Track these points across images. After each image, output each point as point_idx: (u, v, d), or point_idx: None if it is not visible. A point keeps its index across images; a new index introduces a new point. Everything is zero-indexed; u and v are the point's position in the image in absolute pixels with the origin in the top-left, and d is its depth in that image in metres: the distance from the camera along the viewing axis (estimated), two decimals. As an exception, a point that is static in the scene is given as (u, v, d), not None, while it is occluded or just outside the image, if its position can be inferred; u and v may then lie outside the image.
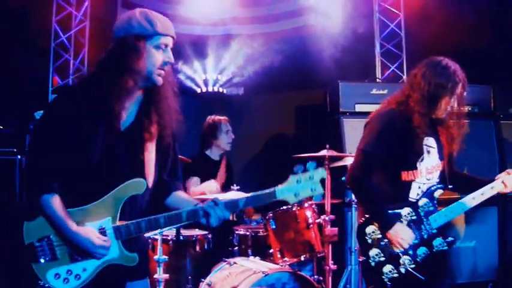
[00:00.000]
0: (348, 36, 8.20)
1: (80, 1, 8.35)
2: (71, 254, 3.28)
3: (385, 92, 7.25)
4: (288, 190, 3.49)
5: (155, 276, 5.32)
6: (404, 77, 8.46)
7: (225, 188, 5.98)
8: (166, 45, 3.39)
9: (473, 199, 4.39)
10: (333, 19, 8.31)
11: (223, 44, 9.14)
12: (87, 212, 3.33)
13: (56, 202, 3.23)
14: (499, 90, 7.78)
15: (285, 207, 5.73)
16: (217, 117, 6.96)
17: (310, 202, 5.71)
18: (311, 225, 5.62)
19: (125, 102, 3.37)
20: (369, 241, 4.29)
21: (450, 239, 4.36)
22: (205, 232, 6.01)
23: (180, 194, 3.70)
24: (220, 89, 9.30)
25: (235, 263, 5.57)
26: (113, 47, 3.37)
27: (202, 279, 5.54)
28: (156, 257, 5.35)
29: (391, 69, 8.51)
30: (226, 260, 5.64)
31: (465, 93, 4.36)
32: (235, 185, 5.81)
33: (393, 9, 8.66)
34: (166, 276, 5.37)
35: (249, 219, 6.81)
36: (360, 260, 4.40)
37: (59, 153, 3.24)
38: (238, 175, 7.30)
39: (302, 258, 5.67)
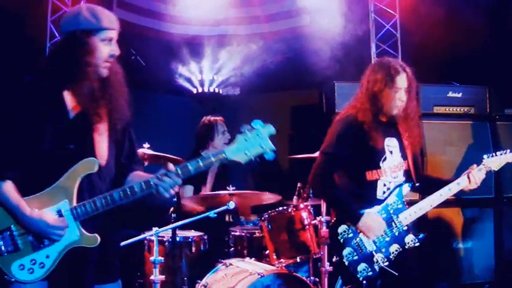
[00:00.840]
0: (344, 36, 8.20)
1: (75, 1, 8.32)
2: (33, 242, 3.31)
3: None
4: (238, 150, 3.48)
5: (151, 277, 5.32)
6: (400, 77, 8.45)
7: (221, 188, 5.97)
8: (111, 39, 3.50)
9: (441, 195, 4.49)
10: (328, 20, 8.30)
11: (219, 44, 9.14)
12: (43, 198, 3.37)
13: (7, 188, 3.28)
14: (494, 91, 7.79)
15: (280, 209, 5.74)
16: (213, 118, 6.96)
17: (305, 203, 5.71)
18: (307, 227, 5.61)
19: (73, 92, 3.45)
20: (342, 241, 4.36)
21: (421, 235, 4.44)
22: (201, 233, 6.01)
23: (137, 173, 3.77)
24: (216, 90, 9.30)
25: (231, 264, 5.58)
26: (61, 41, 3.52)
27: (198, 281, 5.55)
28: (152, 258, 5.34)
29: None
30: (222, 261, 5.64)
31: (416, 90, 4.56)
32: (231, 185, 5.80)
33: (389, 10, 8.67)
34: (162, 277, 5.36)
35: (246, 220, 6.80)
36: (334, 260, 4.44)
37: (9, 143, 3.30)
38: (235, 176, 7.28)
39: (298, 260, 5.65)
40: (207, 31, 9.09)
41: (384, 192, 4.45)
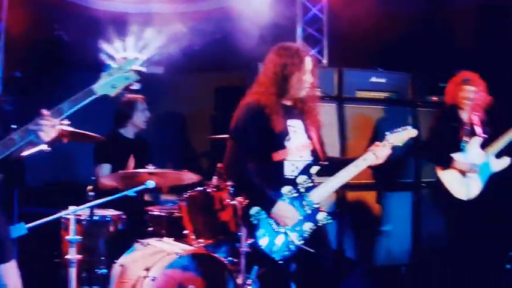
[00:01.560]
0: (270, 19, 8.16)
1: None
2: None
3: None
4: (105, 85, 3.65)
5: (67, 256, 5.19)
6: (325, 61, 8.50)
7: (140, 166, 5.89)
8: None
9: (348, 172, 4.54)
10: (256, 1, 8.25)
11: (145, 22, 8.97)
12: None
13: None
14: (417, 77, 7.90)
15: (200, 188, 5.71)
16: (133, 96, 6.82)
17: (225, 183, 5.68)
18: (226, 207, 5.58)
19: None
20: (255, 222, 4.36)
21: (334, 211, 4.52)
22: (120, 212, 5.92)
23: None
24: (140, 68, 9.14)
25: (148, 244, 5.55)
26: None
27: (116, 261, 5.48)
28: (68, 237, 5.22)
29: (311, 54, 8.49)
30: (140, 241, 5.61)
31: (317, 72, 4.60)
32: (150, 164, 5.72)
33: (316, -7, 8.67)
34: (79, 256, 5.25)
35: (165, 199, 6.74)
36: (248, 242, 4.43)
37: None
38: (156, 155, 7.19)
39: (217, 240, 5.66)
40: (132, 8, 8.93)
41: (293, 171, 4.48)
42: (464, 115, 6.66)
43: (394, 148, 4.69)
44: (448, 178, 6.52)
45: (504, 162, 6.60)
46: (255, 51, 7.78)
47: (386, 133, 4.68)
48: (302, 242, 4.38)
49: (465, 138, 6.54)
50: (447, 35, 8.48)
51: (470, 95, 6.53)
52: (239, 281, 5.45)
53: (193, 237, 5.64)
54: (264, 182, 4.40)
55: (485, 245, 6.74)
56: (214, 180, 5.85)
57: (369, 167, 4.71)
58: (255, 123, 4.42)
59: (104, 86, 3.66)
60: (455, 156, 6.48)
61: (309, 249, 4.35)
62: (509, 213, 7.09)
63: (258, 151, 4.45)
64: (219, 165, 5.84)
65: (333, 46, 8.59)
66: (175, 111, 9.34)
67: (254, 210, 4.37)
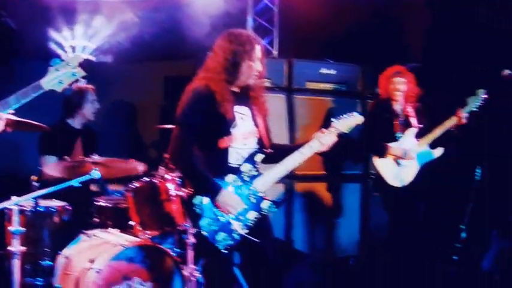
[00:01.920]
0: (220, 8, 8.11)
1: None
2: None
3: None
4: (52, 80, 3.77)
5: (10, 248, 5.08)
6: (275, 51, 8.48)
7: (87, 157, 5.79)
8: None
9: (294, 159, 4.50)
10: (207, -10, 8.20)
11: (93, 10, 8.86)
12: None
13: None
14: (367, 69, 7.94)
15: (147, 179, 5.64)
16: (83, 86, 6.70)
17: (172, 174, 5.62)
18: (173, 198, 5.51)
19: None
20: (198, 211, 4.31)
21: (278, 199, 4.51)
22: (65, 203, 5.82)
23: None
24: (89, 56, 9.01)
25: (94, 235, 5.48)
26: None
27: (60, 252, 5.40)
28: (11, 228, 5.10)
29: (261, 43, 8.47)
30: (85, 232, 5.53)
31: (265, 61, 4.57)
32: (96, 154, 5.64)
33: (267, -17, 8.64)
34: (23, 248, 5.13)
35: (112, 190, 6.66)
36: (192, 232, 4.40)
37: None
38: (104, 145, 7.09)
39: (163, 231, 5.62)
40: (82, -4, 8.79)
41: (238, 159, 4.45)
42: (397, 107, 6.89)
43: (341, 135, 4.66)
44: (383, 166, 6.76)
45: (438, 152, 6.85)
46: (205, 41, 7.73)
47: (333, 119, 4.64)
48: (246, 231, 4.34)
49: (400, 129, 6.80)
50: (398, 28, 8.53)
51: (401, 87, 6.79)
52: (186, 272, 5.41)
53: (140, 228, 5.57)
54: (209, 170, 4.36)
55: (421, 232, 6.90)
56: (161, 170, 5.79)
57: (318, 154, 4.70)
58: (202, 108, 4.35)
59: (51, 81, 3.73)
60: (390, 144, 6.69)
61: (252, 238, 4.32)
62: (440, 200, 7.38)
63: (203, 137, 4.40)
64: (166, 155, 5.78)
65: (284, 37, 8.58)
66: (124, 100, 9.23)
67: (198, 199, 4.32)
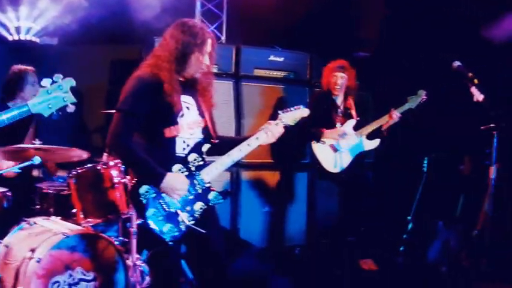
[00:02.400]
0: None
1: None
2: None
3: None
4: (41, 103, 3.62)
5: None
6: (223, 37, 8.40)
7: (28, 142, 5.65)
8: None
9: (240, 150, 4.49)
10: (155, -26, 8.07)
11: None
12: None
13: None
14: (315, 58, 7.93)
15: (90, 165, 5.52)
16: (23, 67, 6.53)
17: (115, 161, 5.51)
18: (116, 185, 5.41)
19: None
20: (144, 202, 4.23)
21: (225, 191, 4.47)
22: (5, 189, 5.64)
23: None
24: (34, 38, 8.82)
25: (35, 223, 5.33)
26: None
27: (0, 240, 5.22)
28: None
29: (210, 30, 8.39)
30: (26, 219, 5.37)
31: (214, 52, 4.51)
32: (37, 139, 5.50)
33: (216, -32, 8.55)
34: (-40, 237, 5.01)
35: (55, 176, 6.52)
36: (138, 222, 4.34)
37: None
38: (47, 130, 6.93)
39: (106, 219, 5.51)
40: (26, -24, 8.59)
41: (184, 149, 4.39)
42: (338, 99, 7.16)
43: (287, 127, 4.65)
44: (321, 153, 6.98)
45: (374, 143, 7.14)
46: (152, 25, 7.63)
47: (279, 112, 4.63)
48: (193, 222, 4.28)
49: (339, 121, 7.08)
50: (348, 17, 8.53)
51: (341, 81, 7.03)
52: (129, 261, 5.34)
53: (82, 216, 5.44)
54: (154, 160, 4.25)
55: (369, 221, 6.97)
56: (105, 157, 5.68)
57: (270, 145, 4.71)
58: (148, 97, 4.26)
59: (40, 105, 3.62)
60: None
61: (199, 229, 4.25)
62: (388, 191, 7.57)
63: (148, 126, 4.31)
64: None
65: (232, 23, 8.51)
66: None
67: (143, 188, 4.23)
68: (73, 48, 8.75)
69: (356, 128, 7.06)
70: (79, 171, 5.49)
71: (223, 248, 4.55)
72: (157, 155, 4.28)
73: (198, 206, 4.36)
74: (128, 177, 5.38)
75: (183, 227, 4.26)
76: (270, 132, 4.54)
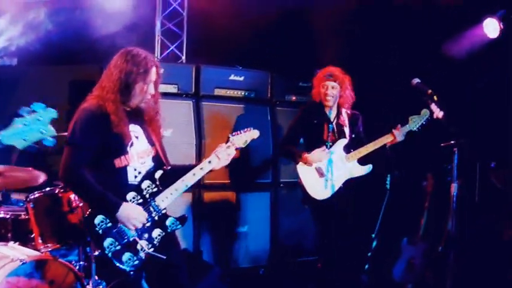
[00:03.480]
0: (129, 12, 7.97)
1: None
2: None
3: (161, 71, 7.07)
4: (14, 135, 3.35)
5: None
6: (183, 57, 8.37)
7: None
8: None
9: (194, 175, 4.46)
10: (114, -7, 8.03)
11: (-2, 10, 8.58)
12: None
13: None
14: (276, 76, 7.90)
15: (48, 189, 5.43)
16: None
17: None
18: (75, 209, 5.33)
19: None
20: (100, 232, 4.16)
21: (182, 216, 4.42)
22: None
23: None
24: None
25: (-9, 249, 5.20)
26: None
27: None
28: None
29: (170, 49, 8.37)
30: (-17, 246, 5.24)
31: (159, 80, 4.50)
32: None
33: (177, -12, 8.53)
34: None
35: (14, 200, 6.40)
36: (96, 254, 4.25)
37: None
38: (4, 153, 6.81)
39: (65, 244, 5.42)
40: (-16, -4, 8.48)
41: (136, 177, 4.35)
42: (331, 113, 6.38)
43: (239, 149, 4.67)
44: (305, 175, 6.25)
45: (366, 168, 6.29)
46: (113, 44, 7.58)
47: (229, 135, 4.64)
48: (152, 249, 4.22)
49: (330, 138, 6.25)
50: (308, 35, 8.54)
51: (333, 92, 6.25)
52: (89, 286, 5.25)
53: (41, 241, 5.33)
54: (107, 189, 4.20)
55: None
56: (63, 181, 5.59)
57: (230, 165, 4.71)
58: (96, 129, 4.24)
59: (13, 137, 3.35)
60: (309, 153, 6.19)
61: (159, 255, 4.20)
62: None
63: (98, 157, 4.27)
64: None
65: (193, 42, 8.49)
66: (28, 104, 8.92)
67: (98, 219, 4.16)
68: (33, 69, 8.66)
69: (348, 148, 6.29)
70: (37, 195, 5.38)
71: (185, 273, 4.51)
72: (109, 184, 4.24)
73: (156, 233, 4.32)
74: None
75: (142, 255, 4.21)
76: (222, 155, 4.54)
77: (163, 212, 4.36)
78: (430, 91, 5.14)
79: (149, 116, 4.49)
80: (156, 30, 8.38)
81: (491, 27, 7.36)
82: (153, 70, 4.39)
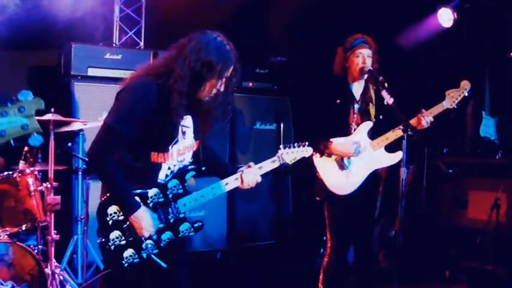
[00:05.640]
0: (88, -3, 7.95)
1: None
2: None
3: (119, 57, 7.22)
4: None
5: None
6: (142, 43, 8.39)
7: None
8: None
9: (227, 184, 4.18)
10: (72, -22, 7.99)
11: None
12: None
13: None
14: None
15: (5, 174, 5.42)
16: None
17: (32, 168, 5.46)
18: (33, 193, 5.37)
19: None
20: (110, 222, 3.89)
21: (198, 224, 4.09)
22: None
23: None
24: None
25: (-51, 233, 5.23)
26: None
27: None
28: None
29: (128, 35, 8.37)
30: None
31: (235, 80, 3.97)
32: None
33: (135, -27, 8.54)
34: None
35: None
36: (98, 241, 4.06)
37: None
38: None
39: (23, 228, 5.42)
40: None
41: (167, 176, 4.01)
42: (355, 88, 5.40)
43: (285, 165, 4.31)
44: (323, 168, 5.35)
45: (396, 156, 5.30)
46: (70, 30, 7.58)
47: (280, 146, 4.31)
48: (156, 251, 3.95)
49: (355, 120, 5.33)
50: (267, 21, 8.62)
51: (369, 61, 5.25)
52: (48, 270, 5.29)
53: (-1, 225, 5.38)
54: (133, 177, 3.88)
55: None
56: (21, 164, 5.61)
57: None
58: (147, 117, 3.78)
59: None
60: (335, 140, 5.25)
61: (160, 262, 3.93)
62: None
63: (137, 144, 3.87)
64: (25, 148, 5.61)
65: (151, 28, 8.50)
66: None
67: (112, 209, 3.88)
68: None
69: (372, 134, 5.32)
70: (-6, 179, 5.41)
71: (184, 284, 4.22)
72: (137, 174, 3.92)
73: (166, 235, 4.00)
74: (45, 184, 5.37)
75: (144, 255, 3.92)
76: (245, 178, 4.20)
77: (181, 216, 4.04)
78: (381, 78, 5.07)
79: (206, 109, 4.01)
80: (114, 16, 8.36)
81: (445, 17, 7.56)
82: (232, 67, 3.91)
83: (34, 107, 2.73)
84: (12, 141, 2.69)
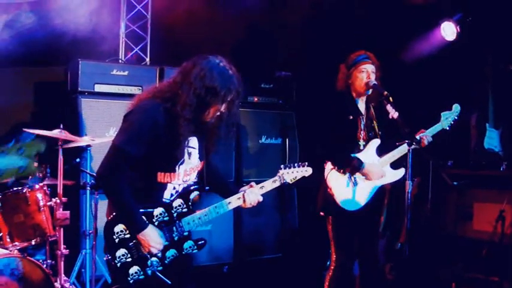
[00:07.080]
0: (94, 14, 8.00)
1: None
2: None
3: (126, 73, 7.28)
4: None
5: None
6: (147, 59, 8.45)
7: None
8: None
9: (229, 204, 4.24)
10: (78, -5, 8.07)
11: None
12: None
13: None
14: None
15: (15, 189, 5.44)
16: None
17: (41, 184, 5.51)
18: (42, 208, 5.43)
19: None
20: (117, 241, 3.99)
21: (201, 242, 4.18)
22: None
23: None
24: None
25: (-41, 248, 5.28)
26: None
27: None
28: None
29: (134, 51, 8.45)
30: (-49, 244, 5.32)
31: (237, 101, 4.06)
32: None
33: (141, -10, 8.61)
34: None
35: None
36: (105, 258, 4.11)
37: None
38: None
39: (33, 242, 5.49)
40: None
41: (172, 195, 4.13)
42: (361, 106, 5.48)
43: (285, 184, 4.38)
44: (336, 184, 5.36)
45: (400, 173, 5.42)
46: (77, 46, 7.64)
47: (281, 166, 4.38)
48: (161, 269, 4.05)
49: (363, 137, 5.42)
50: (271, 37, 8.66)
51: (373, 77, 5.33)
52: (57, 284, 5.34)
53: (8, 239, 5.42)
54: (138, 198, 3.98)
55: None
56: (30, 179, 5.66)
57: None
58: (155, 140, 3.89)
59: None
60: (365, 160, 5.30)
61: (165, 279, 4.03)
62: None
63: (144, 164, 3.97)
64: (34, 164, 5.66)
65: (156, 44, 8.57)
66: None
67: (119, 227, 3.99)
68: (-4, 70, 8.66)
69: (379, 150, 5.42)
70: (4, 194, 5.42)
71: None
72: (143, 193, 4.02)
73: (171, 253, 4.09)
74: (55, 200, 5.41)
75: (149, 272, 4.03)
76: (247, 198, 4.25)
77: (185, 234, 4.12)
78: (385, 92, 5.14)
79: (211, 128, 4.12)
80: (120, 33, 8.44)
81: (448, 31, 7.62)
82: (235, 92, 3.99)
83: (34, 149, 2.72)
84: (10, 181, 2.58)
